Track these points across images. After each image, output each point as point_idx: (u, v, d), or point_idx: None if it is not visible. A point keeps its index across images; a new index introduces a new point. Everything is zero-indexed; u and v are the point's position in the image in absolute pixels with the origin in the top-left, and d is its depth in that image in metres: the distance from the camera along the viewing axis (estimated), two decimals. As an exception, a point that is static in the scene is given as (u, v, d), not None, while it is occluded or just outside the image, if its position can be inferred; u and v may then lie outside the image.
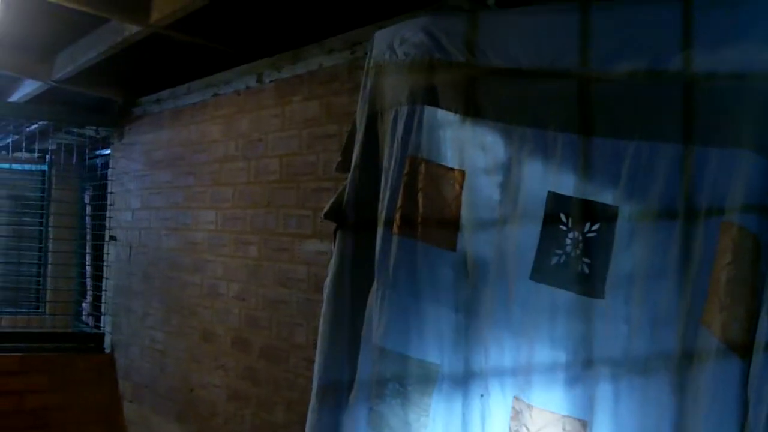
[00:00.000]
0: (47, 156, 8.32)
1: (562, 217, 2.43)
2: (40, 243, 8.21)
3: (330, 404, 3.03)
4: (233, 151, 5.19)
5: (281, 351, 4.58)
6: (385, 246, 2.89)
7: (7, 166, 8.05)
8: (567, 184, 2.43)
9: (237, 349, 5.04)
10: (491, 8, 2.81)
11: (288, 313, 4.53)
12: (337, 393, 3.03)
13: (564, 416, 2.38)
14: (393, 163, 2.90)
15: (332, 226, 3.15)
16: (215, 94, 5.43)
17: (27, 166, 8.48)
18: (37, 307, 8.18)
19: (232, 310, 5.11)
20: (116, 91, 6.73)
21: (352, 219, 3.06)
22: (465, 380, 2.70)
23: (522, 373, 2.51)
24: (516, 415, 2.52)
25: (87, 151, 7.63)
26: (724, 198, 2.08)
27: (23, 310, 7.78)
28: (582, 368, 2.36)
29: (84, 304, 8.11)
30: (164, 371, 6.03)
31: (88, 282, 8.04)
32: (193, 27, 4.65)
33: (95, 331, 7.36)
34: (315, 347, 3.15)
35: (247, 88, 5.07)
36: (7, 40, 5.60)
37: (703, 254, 2.11)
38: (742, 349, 1.97)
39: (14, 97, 7.20)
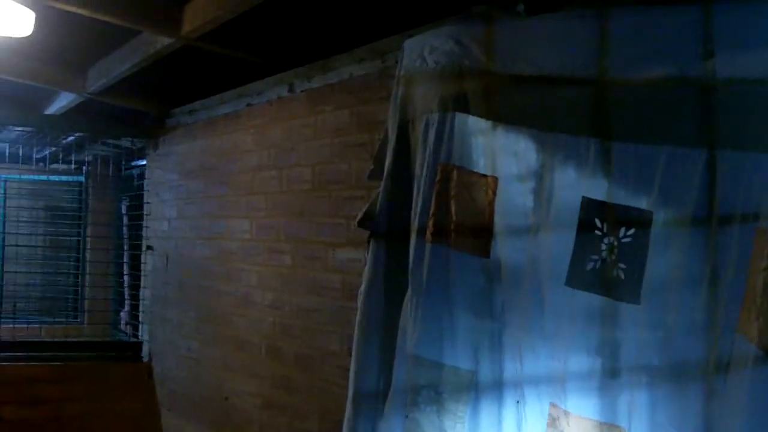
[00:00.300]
0: (84, 167, 8.41)
1: (597, 222, 2.42)
2: (78, 253, 8.31)
3: (365, 412, 3.04)
4: (266, 161, 5.21)
5: (315, 359, 4.59)
6: (419, 253, 2.89)
7: (44, 177, 8.14)
8: (601, 189, 2.41)
9: (271, 358, 5.06)
10: (520, 15, 2.81)
11: (321, 321, 4.54)
12: (373, 401, 3.03)
13: (601, 423, 2.36)
14: (425, 170, 2.90)
15: (365, 233, 3.16)
16: (248, 104, 5.46)
17: (64, 178, 8.59)
18: (76, 317, 8.27)
19: (265, 318, 5.13)
20: (150, 103, 6.78)
21: (385, 227, 3.07)
22: (500, 387, 2.69)
23: (558, 380, 2.49)
24: (553, 422, 2.51)
25: (123, 162, 7.71)
26: (759, 203, 2.06)
27: (62, 319, 7.86)
28: (618, 374, 2.34)
29: (122, 314, 8.19)
30: (199, 380, 6.07)
31: (126, 291, 8.11)
32: (225, 38, 4.68)
33: (133, 340, 7.41)
34: (349, 355, 3.16)
35: (279, 98, 5.09)
36: (42, 53, 5.67)
37: (737, 260, 2.09)
38: (780, 355, 1.95)
39: (51, 110, 7.28)
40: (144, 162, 7.46)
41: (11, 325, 7.23)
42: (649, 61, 2.29)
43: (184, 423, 6.32)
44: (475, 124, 2.78)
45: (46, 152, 7.64)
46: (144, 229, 7.32)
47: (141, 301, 7.30)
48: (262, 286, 5.19)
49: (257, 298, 5.25)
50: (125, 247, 8.22)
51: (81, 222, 8.34)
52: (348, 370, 3.14)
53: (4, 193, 8.43)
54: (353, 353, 3.11)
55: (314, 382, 4.59)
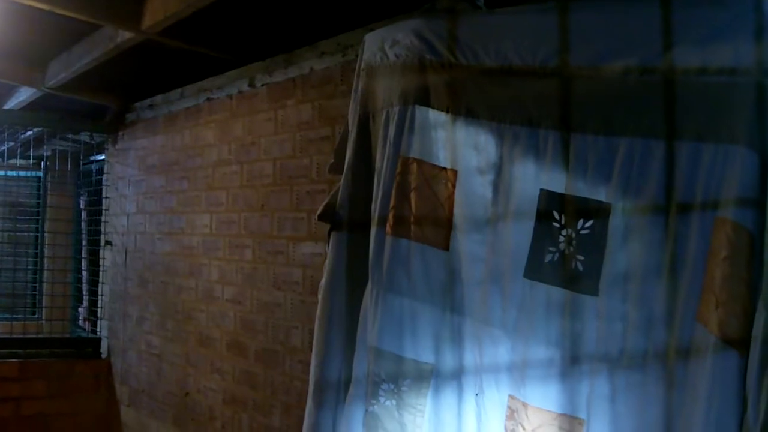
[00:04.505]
0: (42, 162, 8.35)
1: (555, 214, 2.43)
2: (36, 249, 8.23)
3: (326, 406, 3.03)
4: (227, 155, 5.20)
5: (277, 354, 4.58)
6: (379, 246, 2.88)
7: (2, 173, 8.06)
8: (559, 181, 2.43)
9: (233, 353, 5.05)
10: (482, 9, 2.82)
11: (283, 316, 4.54)
12: (333, 394, 3.03)
13: (560, 414, 2.37)
14: (385, 163, 2.90)
15: (327, 227, 3.16)
16: (208, 99, 5.45)
17: (22, 173, 8.50)
18: (34, 313, 8.19)
19: (227, 313, 5.12)
20: (110, 97, 6.74)
21: (346, 220, 3.06)
22: (459, 380, 2.69)
23: (517, 372, 2.50)
24: (512, 414, 2.52)
25: (82, 157, 7.67)
26: (718, 194, 2.09)
27: (20, 316, 7.78)
28: (578, 366, 2.36)
29: (80, 310, 8.13)
30: (161, 376, 6.04)
31: (85, 287, 8.06)
32: (185, 33, 4.66)
33: (92, 336, 7.37)
34: (311, 349, 3.16)
35: (240, 92, 5.08)
36: (1, 48, 5.61)
37: (696, 250, 2.12)
38: (740, 344, 1.97)
39: (9, 105, 7.22)
40: (103, 157, 7.42)
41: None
42: (610, 53, 2.31)
43: (145, 419, 6.29)
44: (435, 117, 2.79)
45: (4, 147, 7.56)
46: (103, 224, 7.28)
47: (100, 297, 7.27)
48: (224, 281, 5.18)
49: (218, 293, 5.24)
50: (84, 243, 8.16)
51: (39, 217, 8.27)
52: (309, 364, 3.14)
53: (-38, 189, 8.37)
54: (314, 347, 3.10)
55: (276, 377, 4.58)
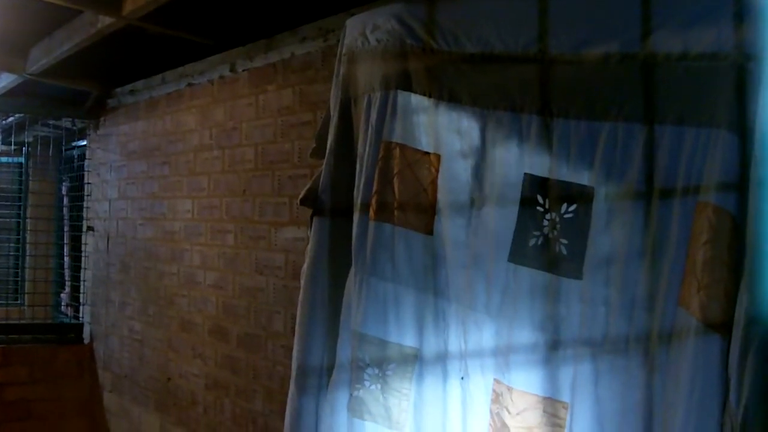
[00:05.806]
0: (24, 148, 8.30)
1: (539, 198, 2.44)
2: (18, 235, 8.20)
3: (309, 390, 3.03)
4: (208, 140, 5.18)
5: (259, 339, 4.58)
6: (362, 231, 2.89)
7: (-16, 159, 8.04)
8: (543, 165, 2.43)
9: (215, 338, 5.05)
10: (463, -6, 2.82)
11: (265, 301, 4.54)
12: (316, 379, 3.03)
13: (545, 398, 2.39)
14: (368, 148, 2.90)
15: (309, 212, 3.16)
16: (189, 84, 5.43)
17: (4, 159, 8.46)
18: (16, 299, 8.17)
19: (209, 298, 5.12)
20: (91, 83, 6.70)
21: (328, 205, 3.06)
22: (444, 364, 2.70)
23: (502, 356, 2.51)
24: (497, 397, 2.53)
25: (63, 143, 7.62)
26: (700, 177, 2.09)
27: (2, 301, 7.76)
28: (562, 350, 2.37)
29: (62, 295, 8.11)
30: (143, 361, 6.04)
31: (67, 273, 8.03)
32: (166, 18, 4.64)
33: (74, 321, 7.36)
34: (293, 334, 3.16)
35: (221, 77, 5.06)
36: (-19, 34, 5.58)
37: (678, 234, 2.12)
38: (722, 327, 1.97)
39: (-10, 91, 7.18)
40: (85, 142, 7.40)
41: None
42: (591, 39, 2.31)
43: (127, 404, 6.29)
44: (417, 102, 2.79)
45: (-14, 134, 7.57)
46: (85, 209, 7.26)
47: (82, 283, 7.25)
48: (206, 266, 5.17)
49: (200, 279, 5.23)
50: (66, 228, 8.14)
51: (21, 203, 8.24)
52: (292, 349, 3.14)
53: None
54: (296, 332, 3.10)
55: (259, 362, 4.59)
